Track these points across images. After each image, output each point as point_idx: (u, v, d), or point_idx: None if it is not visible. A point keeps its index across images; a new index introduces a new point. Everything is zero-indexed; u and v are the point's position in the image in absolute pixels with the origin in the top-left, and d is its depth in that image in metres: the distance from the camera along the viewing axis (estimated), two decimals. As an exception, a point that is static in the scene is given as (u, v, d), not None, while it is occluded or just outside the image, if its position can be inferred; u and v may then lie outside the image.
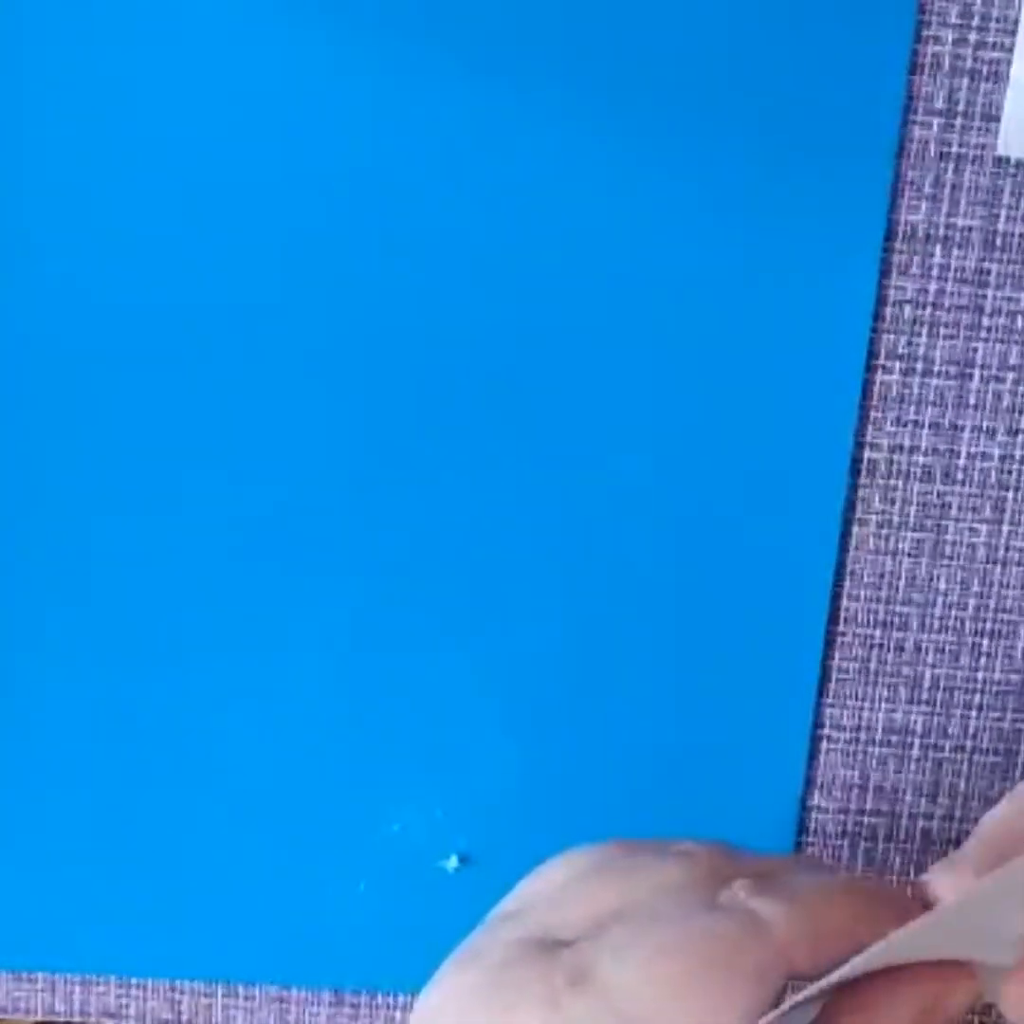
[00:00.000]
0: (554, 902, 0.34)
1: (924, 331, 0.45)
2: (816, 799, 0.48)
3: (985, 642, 0.47)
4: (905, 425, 0.46)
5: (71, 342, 0.44)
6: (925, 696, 0.48)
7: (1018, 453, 0.46)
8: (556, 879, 0.35)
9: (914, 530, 0.47)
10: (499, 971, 0.32)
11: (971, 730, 0.48)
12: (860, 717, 0.48)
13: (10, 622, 0.46)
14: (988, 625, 0.47)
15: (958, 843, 0.48)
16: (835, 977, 0.30)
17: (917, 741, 0.48)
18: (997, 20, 0.43)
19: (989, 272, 0.45)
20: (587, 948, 0.32)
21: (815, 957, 0.31)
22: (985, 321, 0.45)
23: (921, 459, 0.46)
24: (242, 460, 0.45)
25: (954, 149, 0.44)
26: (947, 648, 0.47)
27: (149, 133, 0.43)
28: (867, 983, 0.32)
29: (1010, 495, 0.46)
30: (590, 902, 0.33)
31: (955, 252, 0.45)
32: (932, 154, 0.44)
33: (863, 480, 0.46)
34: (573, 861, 0.35)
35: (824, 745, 0.48)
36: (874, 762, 0.48)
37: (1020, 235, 0.45)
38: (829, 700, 0.48)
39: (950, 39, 0.44)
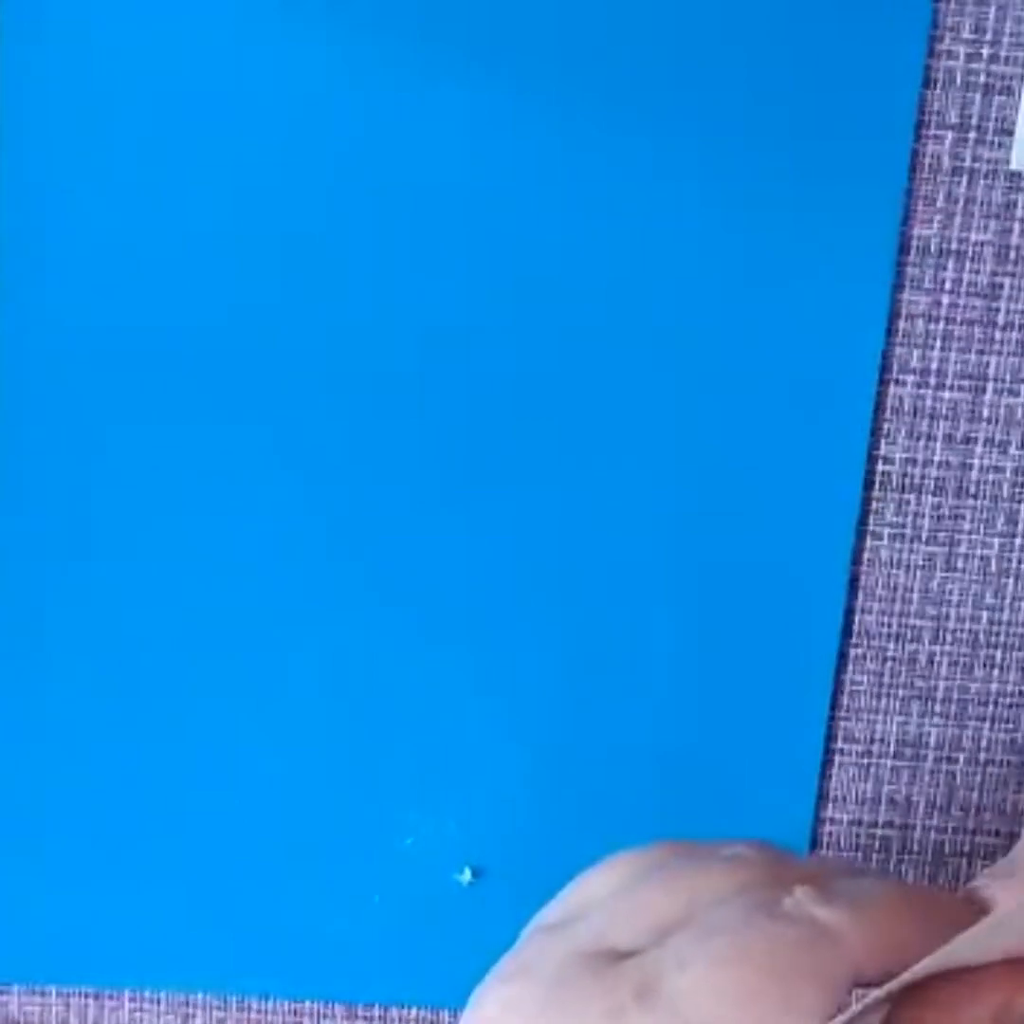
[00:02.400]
0: (607, 910, 0.33)
1: (937, 344, 0.45)
2: (829, 812, 0.48)
3: (998, 654, 0.47)
4: (918, 438, 0.46)
5: (68, 341, 0.44)
6: (938, 709, 0.48)
7: (1031, 466, 0.46)
8: (606, 886, 0.34)
9: (927, 543, 0.47)
10: (558, 985, 0.32)
11: (984, 742, 0.48)
12: (873, 730, 0.48)
13: (24, 639, 0.46)
14: (1001, 638, 0.47)
15: (971, 856, 0.48)
16: (899, 982, 0.30)
17: (931, 754, 0.48)
18: (1011, 35, 0.43)
19: (1002, 286, 0.45)
20: (651, 959, 0.31)
21: (881, 964, 0.31)
22: (998, 335, 0.45)
23: (934, 472, 0.46)
24: (252, 470, 0.45)
25: (967, 163, 0.44)
26: (960, 661, 0.47)
27: (150, 134, 0.43)
28: (933, 987, 0.31)
29: (1023, 508, 0.46)
30: (646, 910, 0.33)
31: (968, 266, 0.45)
32: (945, 168, 0.44)
33: (876, 493, 0.46)
34: (621, 867, 0.35)
35: (837, 758, 0.48)
36: (887, 775, 0.48)
37: (1033, 249, 0.45)
38: (842, 713, 0.48)
39: (963, 53, 0.44)
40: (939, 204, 0.45)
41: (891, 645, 0.47)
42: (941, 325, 0.45)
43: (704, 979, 0.30)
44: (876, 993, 0.31)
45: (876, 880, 0.33)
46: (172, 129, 0.43)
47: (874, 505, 0.46)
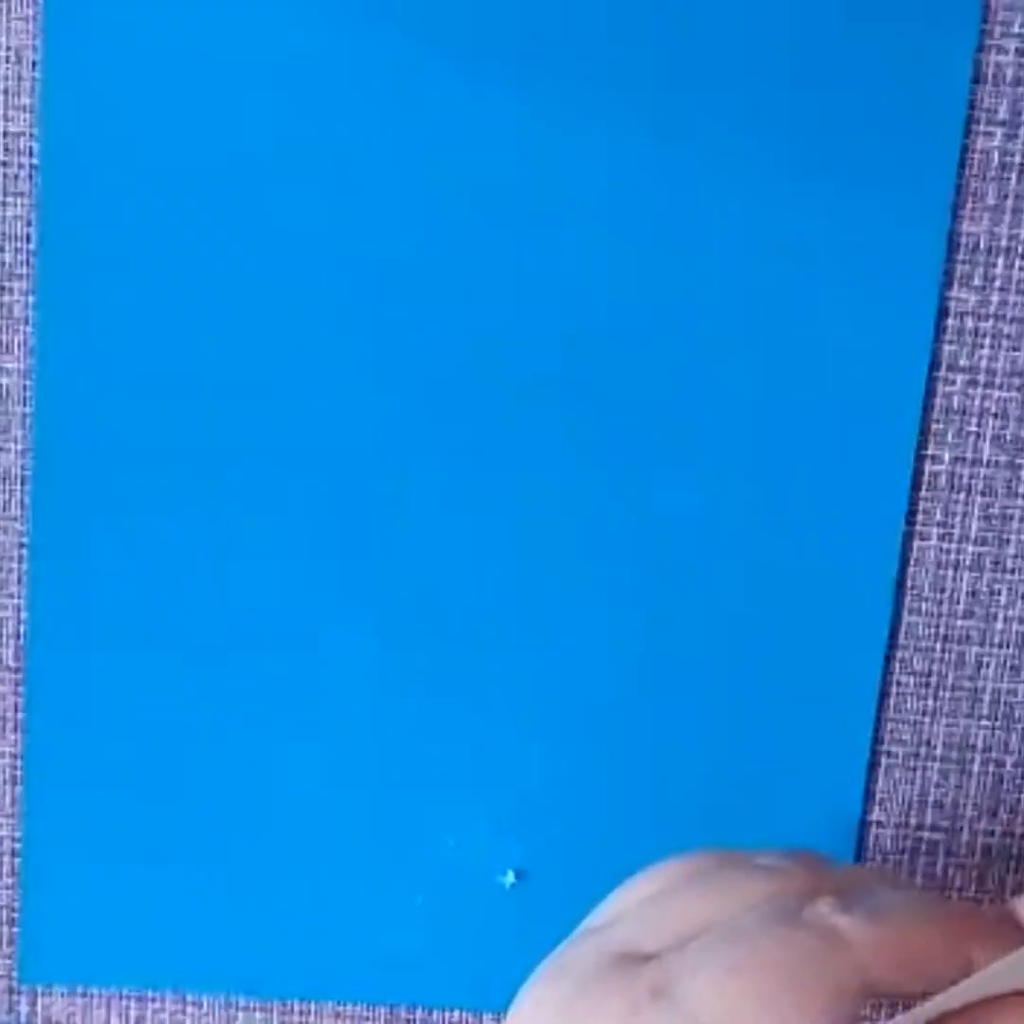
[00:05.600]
0: (640, 916, 0.34)
1: (986, 343, 0.45)
2: (876, 814, 0.48)
3: (1047, 656, 0.47)
4: (967, 437, 0.46)
5: (92, 339, 0.45)
6: (986, 711, 0.47)
7: (1081, 466, 0.46)
8: (643, 893, 0.35)
9: (976, 543, 0.46)
10: (584, 983, 0.32)
11: (1032, 745, 0.48)
12: (920, 732, 0.47)
13: (78, 651, 0.46)
14: (1050, 639, 0.47)
15: (1019, 860, 0.48)
16: (934, 1008, 0.30)
17: (978, 756, 0.48)
18: (1063, 30, 0.43)
19: (1052, 283, 0.45)
20: (669, 962, 0.32)
21: (899, 976, 0.31)
22: (1047, 332, 0.45)
23: (983, 471, 0.46)
24: (276, 475, 0.45)
25: (1017, 160, 0.44)
26: (1009, 662, 0.47)
27: (160, 137, 0.43)
28: (971, 1011, 0.31)
29: (1073, 508, 0.46)
30: (676, 916, 0.33)
31: (1017, 263, 0.45)
32: (995, 165, 0.44)
33: (924, 493, 0.46)
34: (661, 874, 0.35)
35: (884, 760, 0.47)
36: (935, 777, 0.48)
37: (1084, 246, 0.45)
38: (889, 715, 0.47)
39: (1013, 49, 0.43)
40: (989, 201, 0.44)
41: (938, 647, 0.47)
42: (990, 323, 0.45)
43: (716, 983, 0.31)
44: (908, 1017, 0.31)
45: (907, 892, 0.34)
46: (181, 132, 0.43)
47: (922, 505, 0.46)
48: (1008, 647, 0.47)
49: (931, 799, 0.48)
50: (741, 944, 0.31)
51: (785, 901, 0.32)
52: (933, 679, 0.47)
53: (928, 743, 0.47)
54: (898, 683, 0.47)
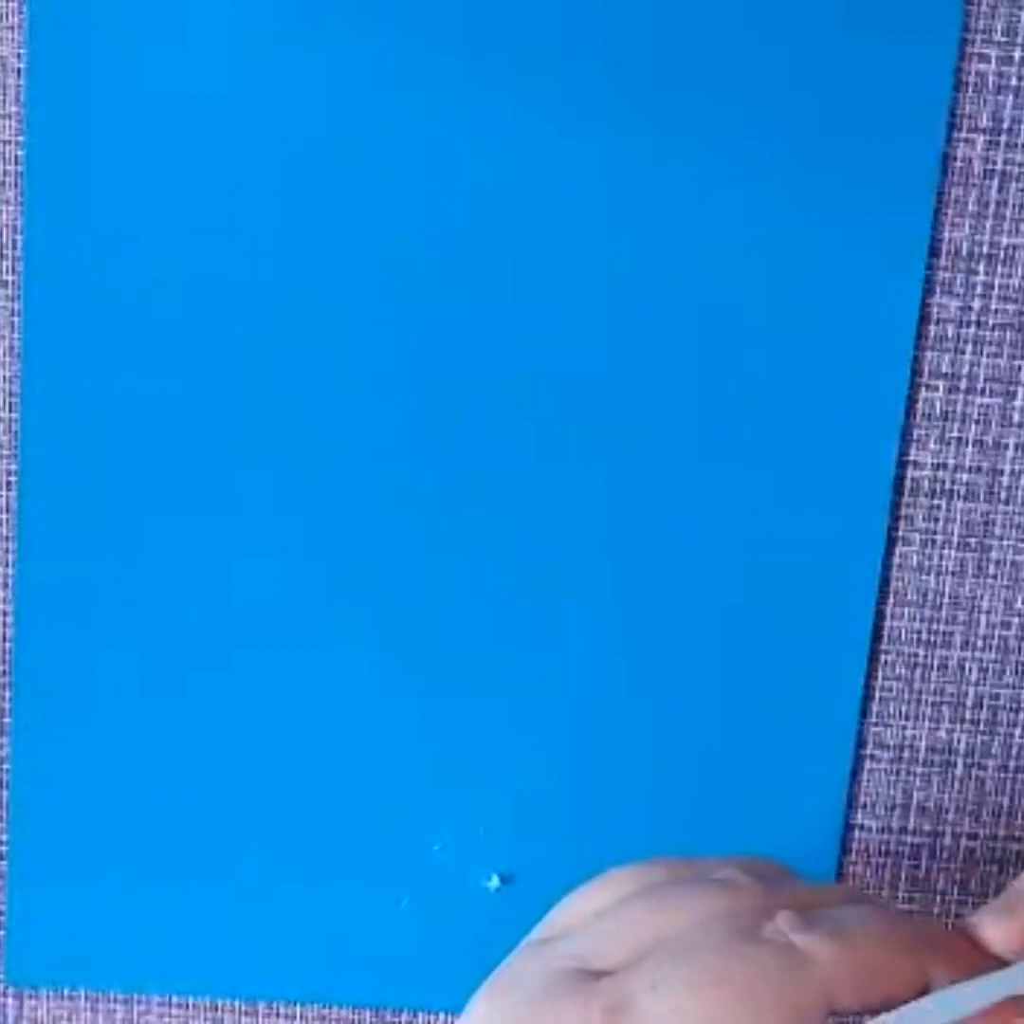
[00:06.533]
0: (591, 930, 0.33)
1: (968, 349, 0.45)
2: (859, 818, 0.48)
3: (1029, 661, 0.47)
4: (949, 443, 0.46)
5: (83, 335, 0.45)
6: (969, 715, 0.47)
7: (1063, 471, 0.46)
8: (594, 904, 0.34)
9: (957, 548, 0.46)
10: (535, 1000, 0.32)
11: (1015, 749, 0.48)
12: (903, 736, 0.48)
13: (64, 650, 0.46)
14: (1032, 644, 0.47)
15: (1001, 863, 0.48)
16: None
17: (961, 760, 0.48)
18: (1043, 38, 0.43)
19: (1033, 290, 0.45)
20: (625, 979, 0.31)
21: (859, 994, 0.31)
22: (1029, 339, 0.45)
23: (965, 477, 0.46)
24: (275, 478, 0.46)
25: (998, 167, 0.44)
26: (991, 667, 0.47)
27: (160, 136, 0.44)
28: None
29: (1055, 513, 0.46)
30: (630, 930, 0.32)
31: (999, 270, 0.45)
32: (976, 172, 0.44)
33: (906, 498, 0.46)
34: (612, 885, 0.34)
35: (867, 764, 0.48)
36: (918, 781, 0.48)
37: (1065, 252, 0.45)
38: (872, 719, 0.47)
39: (994, 57, 0.43)
40: (970, 208, 0.44)
41: (921, 651, 0.47)
42: (972, 329, 0.45)
43: (674, 1002, 0.30)
44: None
45: (867, 908, 0.33)
46: (167, 139, 0.43)
47: (904, 510, 0.46)
48: (990, 651, 0.47)
49: (914, 803, 0.48)
50: (700, 962, 0.31)
51: (742, 917, 0.32)
52: (916, 683, 0.47)
53: (911, 747, 0.48)
54: (881, 687, 0.47)
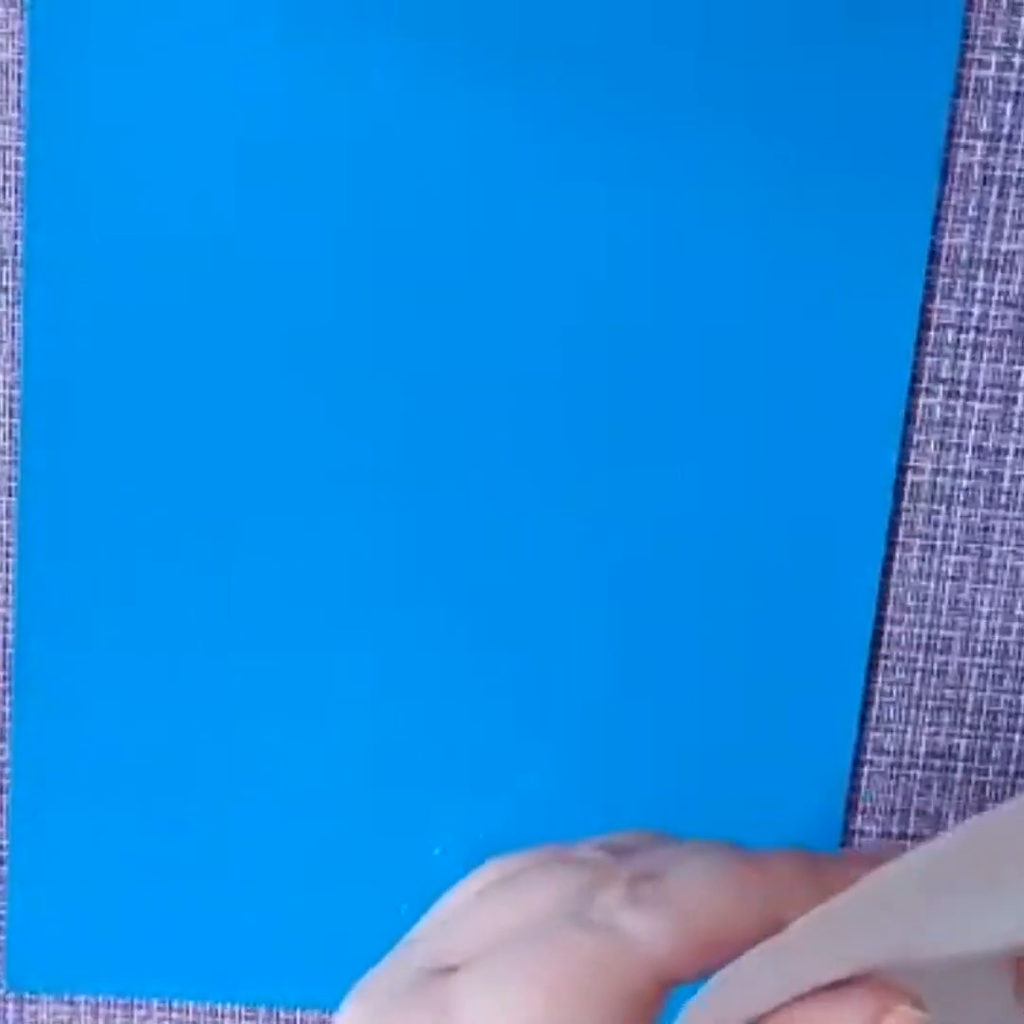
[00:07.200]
0: (448, 925, 0.32)
1: (968, 355, 0.45)
2: (859, 823, 0.48)
3: (1029, 666, 0.47)
4: (948, 448, 0.46)
5: (88, 331, 0.45)
6: (968, 720, 0.48)
7: (1062, 476, 0.46)
8: (460, 899, 0.33)
9: (957, 553, 0.46)
10: (387, 1001, 0.30)
11: (1014, 754, 0.48)
12: (903, 741, 0.48)
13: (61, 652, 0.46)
14: (1032, 649, 0.47)
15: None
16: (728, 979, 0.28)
17: (960, 765, 0.48)
18: (1042, 44, 0.43)
19: (1033, 295, 0.45)
20: (460, 976, 0.30)
21: (699, 961, 0.29)
22: (1029, 344, 0.45)
23: (964, 482, 0.46)
24: (274, 485, 0.46)
25: (998, 172, 0.44)
26: (990, 672, 0.47)
27: (138, 147, 0.44)
28: (787, 1009, 0.29)
29: (1054, 519, 0.46)
30: (480, 924, 0.31)
31: (999, 276, 0.45)
32: (976, 177, 0.44)
33: (906, 503, 0.46)
34: (479, 877, 0.33)
35: (867, 769, 0.48)
36: (917, 786, 0.48)
37: (1064, 258, 0.45)
38: (872, 724, 0.47)
39: (994, 62, 0.43)
40: (970, 214, 0.44)
41: (921, 656, 0.47)
42: (971, 335, 0.45)
43: (495, 997, 0.29)
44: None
45: (713, 862, 0.30)
46: (169, 144, 0.43)
47: (904, 516, 0.46)
48: (990, 656, 0.47)
49: (914, 807, 0.48)
50: (522, 955, 0.29)
51: (581, 898, 0.30)
52: (915, 688, 0.47)
53: (911, 752, 0.48)
54: (881, 692, 0.47)
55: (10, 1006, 0.49)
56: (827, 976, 0.28)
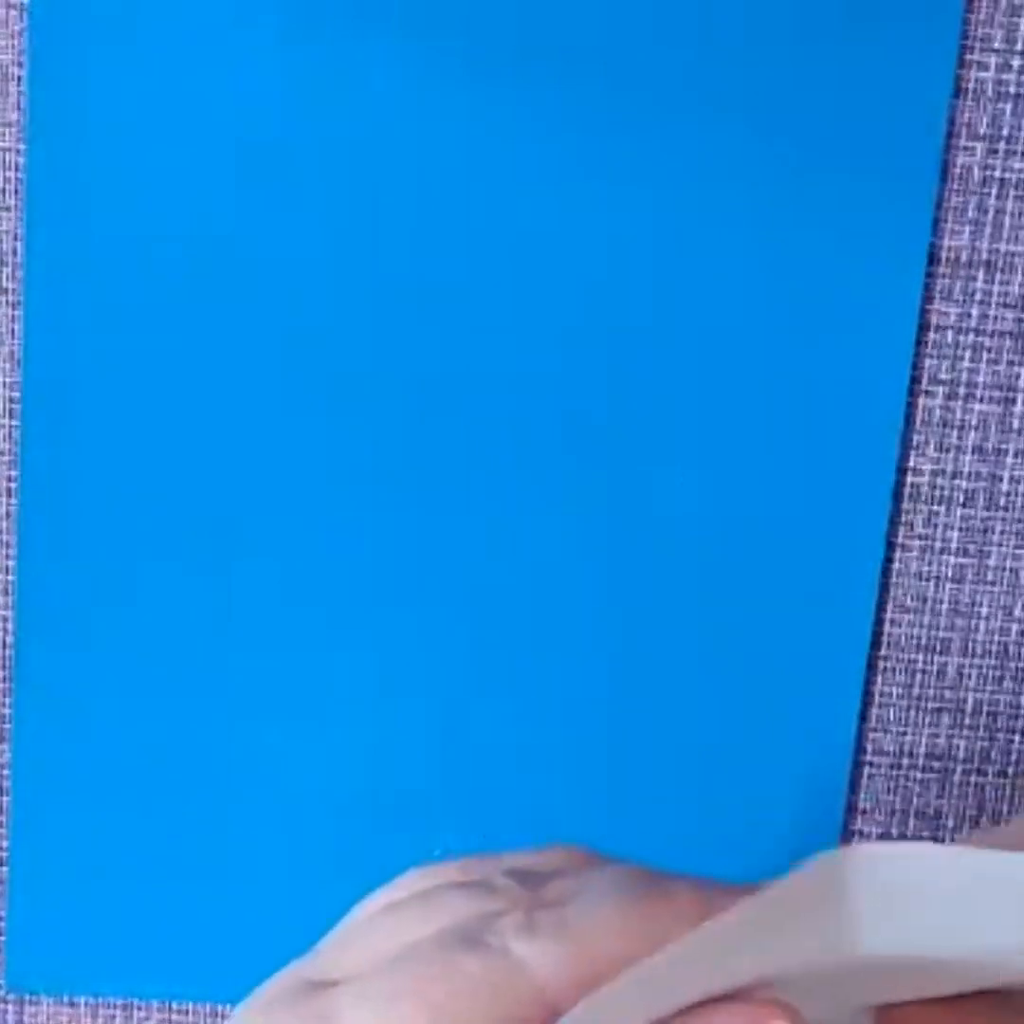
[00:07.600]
0: (344, 938, 0.31)
1: (967, 356, 0.45)
2: (858, 824, 0.48)
3: (1028, 667, 0.47)
4: (948, 450, 0.46)
5: (90, 329, 0.45)
6: (968, 721, 0.48)
7: (1061, 478, 0.46)
8: (365, 913, 0.32)
9: (957, 555, 0.47)
10: (266, 1012, 0.30)
11: (1014, 755, 0.48)
12: (902, 742, 0.48)
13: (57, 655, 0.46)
14: (1031, 650, 0.47)
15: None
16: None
17: (959, 767, 0.48)
18: (1042, 46, 0.43)
19: (1032, 297, 0.45)
20: (340, 991, 0.29)
21: (587, 991, 0.29)
22: (1028, 345, 0.45)
23: (964, 484, 0.46)
24: (273, 485, 0.46)
25: (997, 174, 0.44)
26: (990, 673, 0.47)
27: (138, 149, 0.44)
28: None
29: (1053, 520, 0.46)
30: (374, 942, 0.31)
31: (998, 277, 0.45)
32: (975, 179, 0.44)
33: (906, 505, 0.46)
34: (387, 892, 0.33)
35: (866, 770, 0.48)
36: (917, 787, 0.48)
37: (1064, 260, 0.45)
38: (871, 725, 0.47)
39: (993, 64, 0.44)
40: (969, 215, 0.45)
41: (920, 657, 0.47)
42: (971, 336, 0.45)
43: (373, 1015, 0.28)
44: None
45: (615, 894, 0.30)
46: (168, 146, 0.44)
47: (903, 517, 0.46)
48: (989, 658, 0.47)
49: (913, 809, 0.48)
50: (407, 973, 0.29)
51: (480, 923, 0.30)
52: (915, 689, 0.47)
53: (910, 753, 0.48)
54: (880, 693, 0.47)
55: (10, 1007, 0.49)
56: (701, 994, 0.27)
